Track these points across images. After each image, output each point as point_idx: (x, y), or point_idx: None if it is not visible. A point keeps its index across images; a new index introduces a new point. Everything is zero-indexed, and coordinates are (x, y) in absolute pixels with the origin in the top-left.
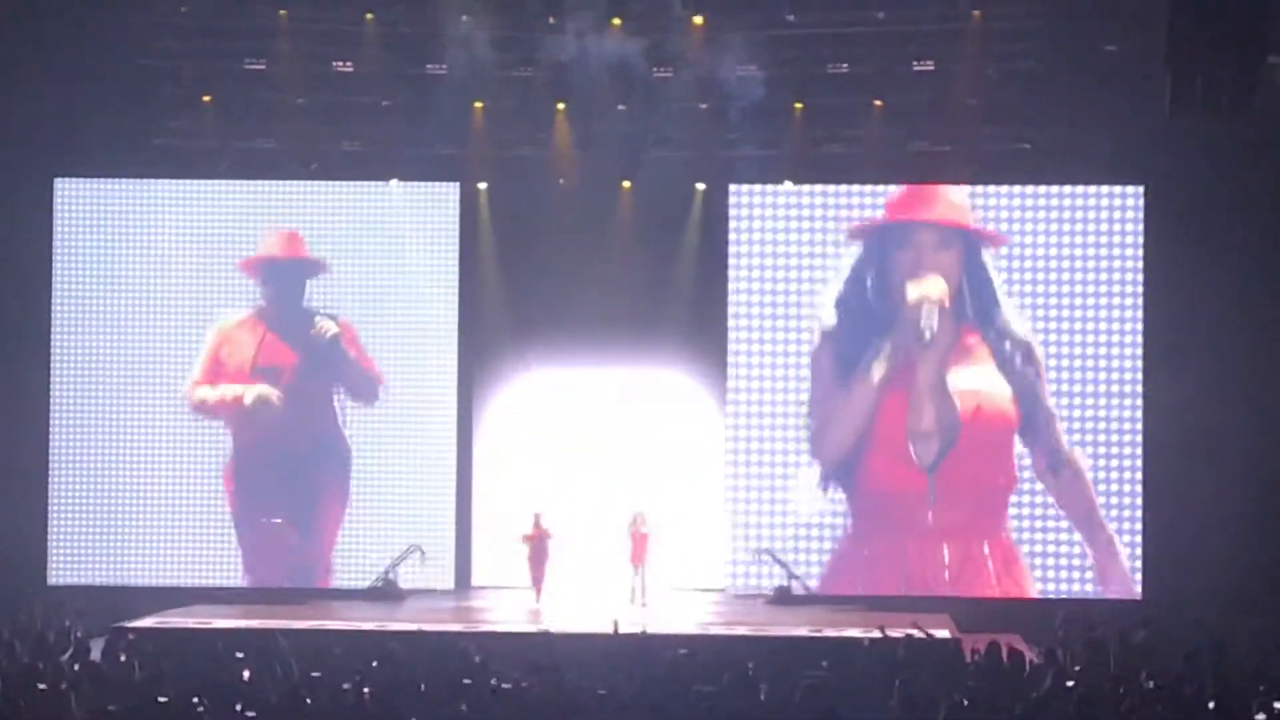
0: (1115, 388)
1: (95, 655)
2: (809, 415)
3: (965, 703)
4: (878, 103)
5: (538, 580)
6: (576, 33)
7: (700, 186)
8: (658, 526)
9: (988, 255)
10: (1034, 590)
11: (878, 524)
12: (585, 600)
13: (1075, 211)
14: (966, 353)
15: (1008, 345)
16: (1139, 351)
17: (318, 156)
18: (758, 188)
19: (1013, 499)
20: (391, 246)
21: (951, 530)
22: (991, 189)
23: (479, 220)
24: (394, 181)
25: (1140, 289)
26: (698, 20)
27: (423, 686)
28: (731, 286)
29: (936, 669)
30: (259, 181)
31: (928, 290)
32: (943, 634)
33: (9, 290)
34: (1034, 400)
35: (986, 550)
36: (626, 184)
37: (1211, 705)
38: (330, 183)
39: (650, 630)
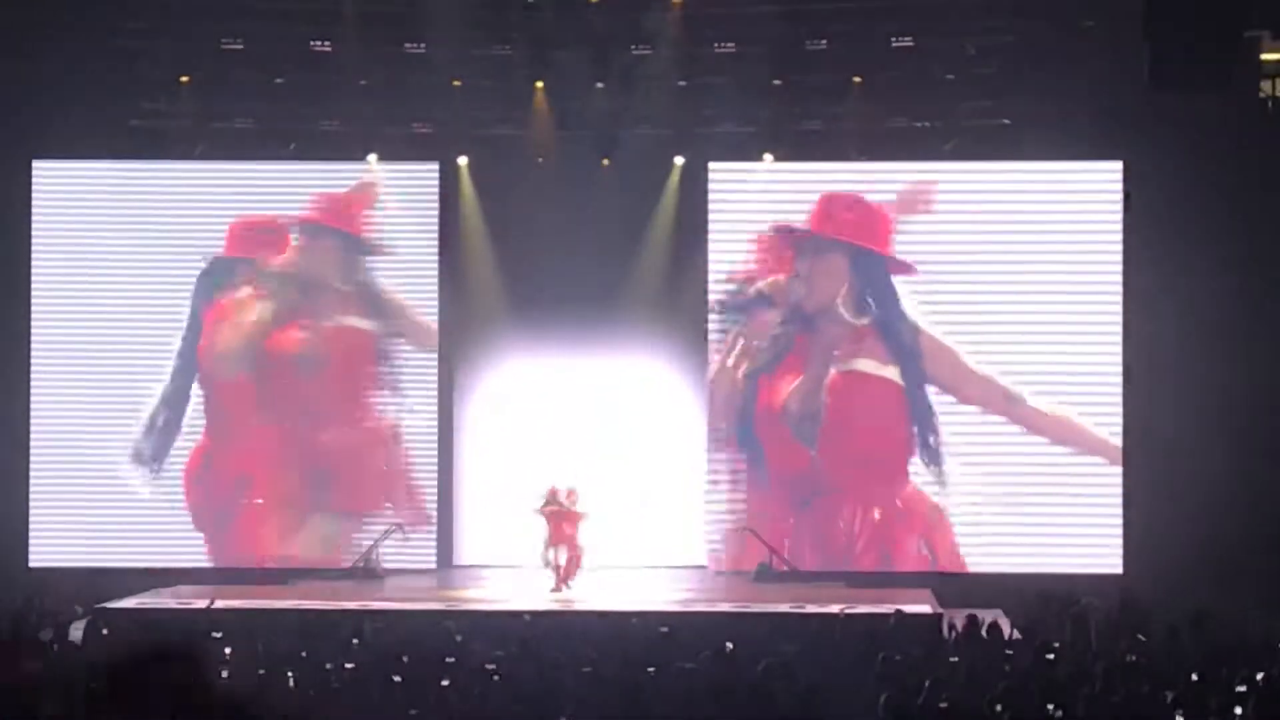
0: (1094, 364)
1: (76, 636)
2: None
3: (946, 678)
4: (856, 79)
5: (560, 566)
6: (554, 10)
7: (679, 161)
8: (588, 505)
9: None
10: (969, 562)
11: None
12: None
13: (1054, 187)
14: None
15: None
16: (1118, 326)
17: (296, 136)
18: (737, 165)
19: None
20: (373, 224)
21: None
22: (969, 165)
23: (460, 195)
24: (372, 157)
25: (1119, 264)
26: None
27: (404, 665)
28: (712, 262)
29: (917, 644)
30: (237, 163)
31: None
32: (922, 609)
33: None
34: (916, 390)
35: (877, 516)
36: (605, 161)
37: (1194, 678)
38: (308, 163)
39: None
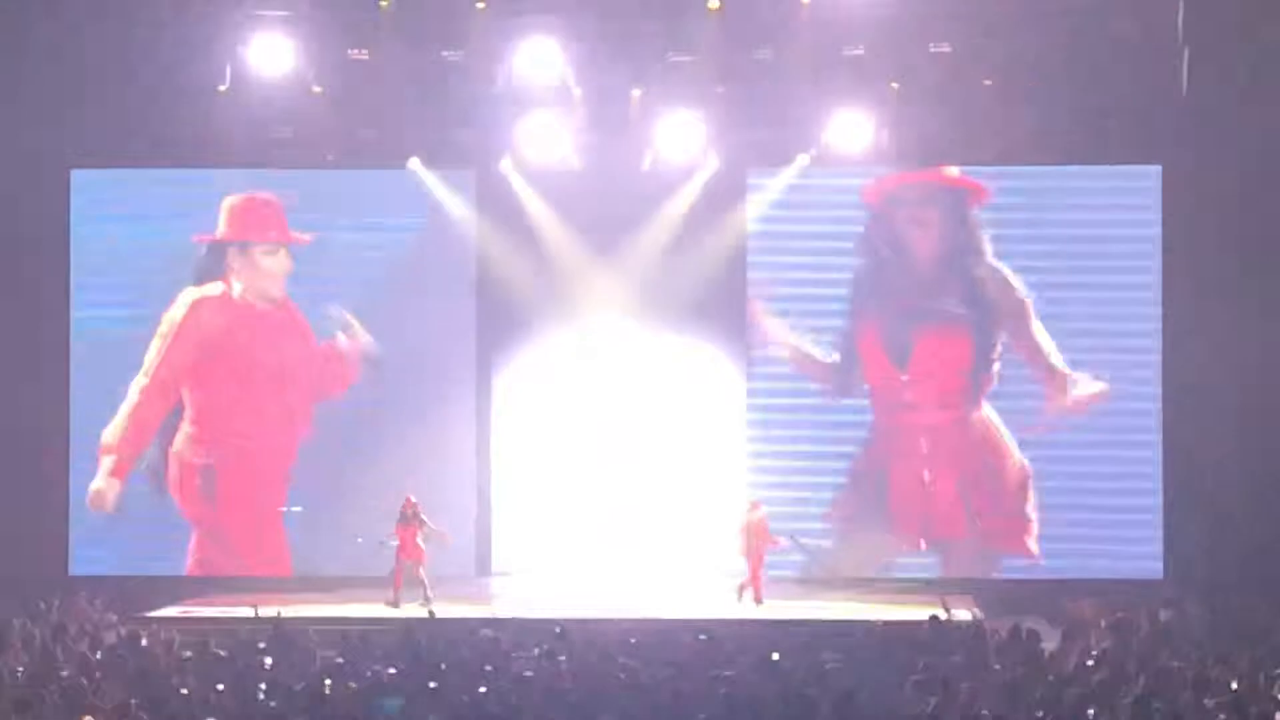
0: (1135, 372)
1: (115, 645)
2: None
3: (987, 685)
4: (894, 85)
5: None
6: (595, 17)
7: (714, 163)
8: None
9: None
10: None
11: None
12: (606, 584)
13: (1092, 192)
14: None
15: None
16: (1159, 331)
17: (334, 144)
18: (775, 169)
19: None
20: (413, 230)
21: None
22: (1008, 170)
23: (507, 199)
24: (414, 161)
25: (1159, 269)
26: (713, 4)
27: (443, 671)
28: (751, 267)
29: (959, 651)
30: (274, 170)
31: None
32: (965, 615)
33: (28, 282)
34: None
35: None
36: (644, 166)
37: (1234, 685)
38: (346, 170)
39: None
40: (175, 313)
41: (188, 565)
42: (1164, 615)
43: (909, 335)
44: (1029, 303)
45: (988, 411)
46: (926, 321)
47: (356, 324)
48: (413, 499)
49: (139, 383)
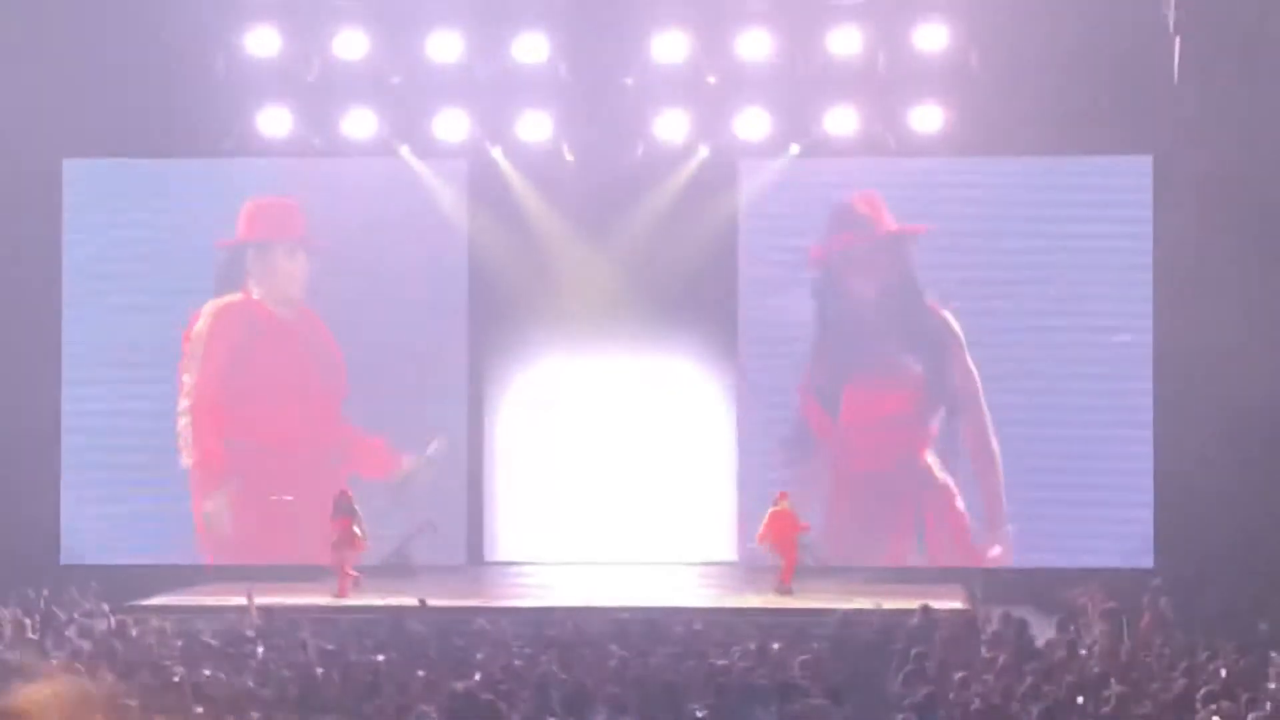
0: (1125, 367)
1: (106, 634)
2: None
3: (978, 673)
4: (884, 73)
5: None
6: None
7: (703, 152)
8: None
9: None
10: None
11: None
12: (597, 573)
13: (1083, 182)
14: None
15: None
16: (1148, 323)
17: (326, 133)
18: (765, 161)
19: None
20: (401, 222)
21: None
22: (998, 160)
23: (498, 188)
24: (405, 149)
25: (1149, 259)
26: None
27: (435, 661)
28: (742, 258)
29: (950, 640)
30: (266, 159)
31: None
32: (955, 605)
33: (20, 272)
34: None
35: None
36: (636, 156)
37: (1223, 673)
38: (338, 159)
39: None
40: (201, 326)
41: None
42: (1159, 603)
43: (839, 386)
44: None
45: (930, 460)
46: (861, 371)
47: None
48: (349, 490)
49: (185, 407)
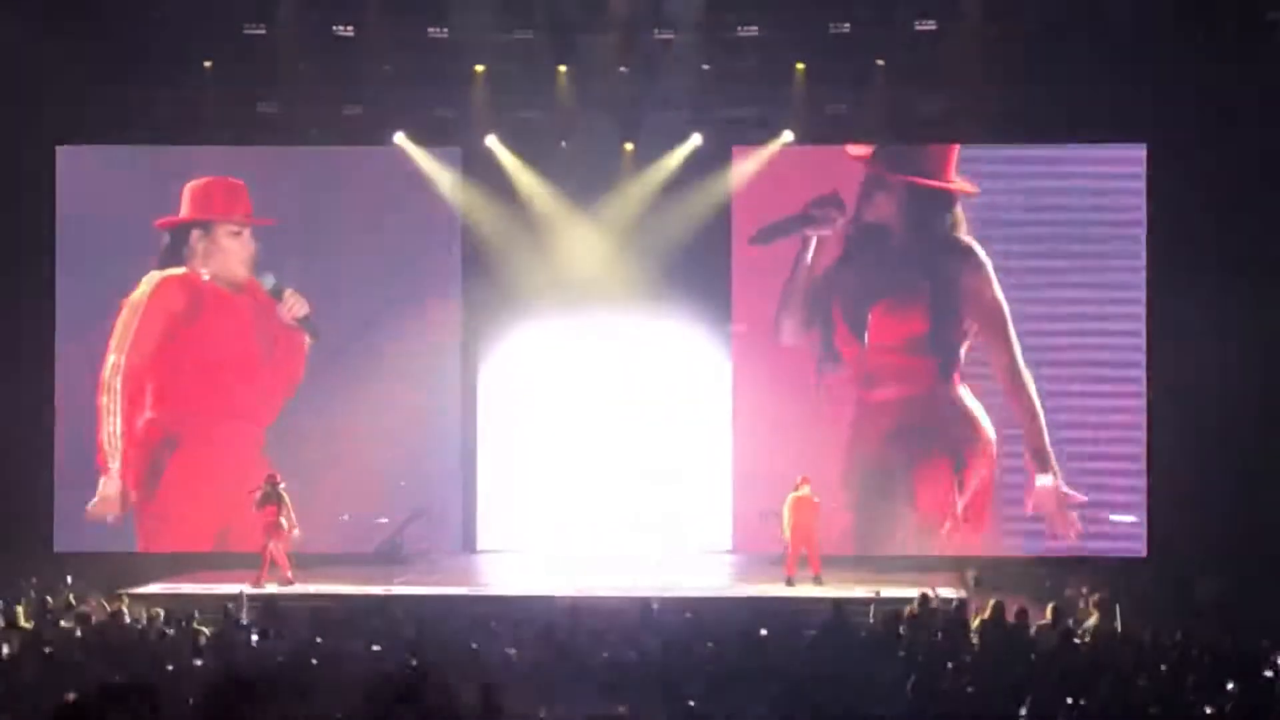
0: (1119, 354)
1: (101, 622)
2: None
3: (971, 662)
4: (880, 62)
5: (812, 557)
6: None
7: (696, 139)
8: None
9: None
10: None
11: None
12: (592, 561)
13: (1077, 170)
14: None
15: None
16: (1142, 311)
17: (318, 121)
18: (760, 148)
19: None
20: (397, 208)
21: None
22: (993, 148)
23: (490, 174)
24: (400, 135)
25: (1143, 248)
26: None
27: (427, 649)
28: (735, 245)
29: (942, 628)
30: (259, 147)
31: None
32: (949, 594)
33: (12, 258)
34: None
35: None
36: (629, 146)
37: (1218, 661)
38: (331, 148)
39: None
40: (139, 294)
41: (138, 543)
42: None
43: (866, 308)
44: (1003, 303)
45: (962, 391)
46: (884, 295)
47: (290, 293)
48: (277, 475)
49: (114, 378)
